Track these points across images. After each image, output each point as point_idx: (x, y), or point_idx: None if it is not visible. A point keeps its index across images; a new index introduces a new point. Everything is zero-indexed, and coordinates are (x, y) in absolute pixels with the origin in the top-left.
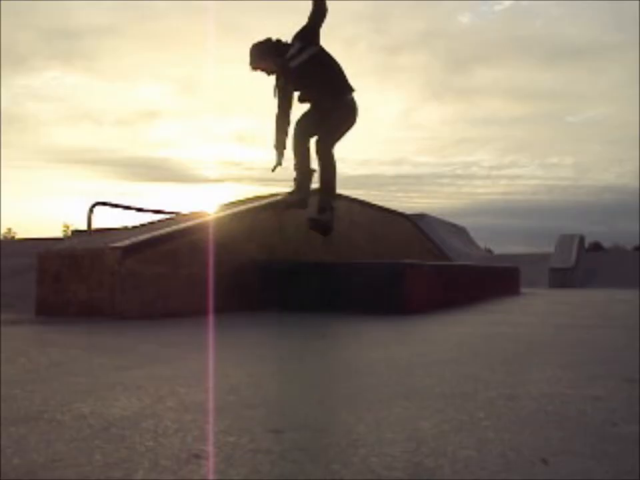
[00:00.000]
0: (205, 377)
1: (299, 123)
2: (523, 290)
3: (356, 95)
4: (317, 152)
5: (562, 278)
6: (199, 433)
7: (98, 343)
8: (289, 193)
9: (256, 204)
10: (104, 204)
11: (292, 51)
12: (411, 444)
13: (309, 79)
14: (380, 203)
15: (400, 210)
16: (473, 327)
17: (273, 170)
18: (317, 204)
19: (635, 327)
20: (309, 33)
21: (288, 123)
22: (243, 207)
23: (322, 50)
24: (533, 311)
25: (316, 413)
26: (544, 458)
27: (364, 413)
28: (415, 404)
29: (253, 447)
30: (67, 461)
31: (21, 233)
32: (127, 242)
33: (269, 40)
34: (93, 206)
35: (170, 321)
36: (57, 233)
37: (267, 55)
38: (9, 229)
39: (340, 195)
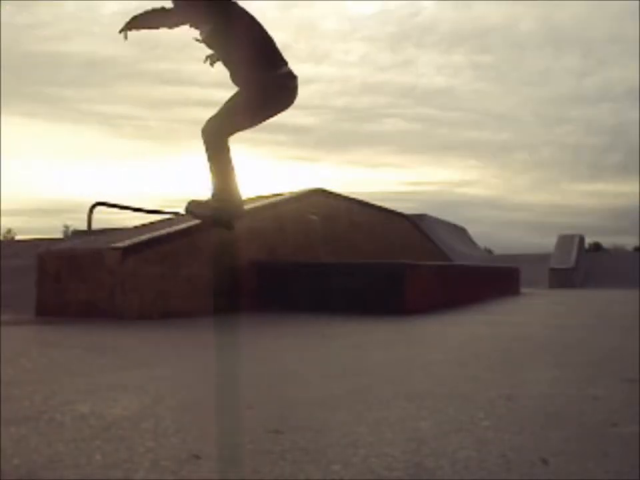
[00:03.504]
0: (204, 377)
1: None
2: (523, 290)
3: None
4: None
5: (562, 278)
6: (198, 433)
7: (98, 343)
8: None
9: (256, 204)
10: (104, 204)
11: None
12: (411, 444)
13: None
14: (380, 203)
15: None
16: (472, 327)
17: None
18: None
19: (634, 328)
20: None
21: None
22: None
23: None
24: (533, 311)
25: (316, 413)
26: (544, 458)
27: (364, 413)
28: (414, 404)
29: (253, 447)
30: (67, 461)
31: (21, 233)
32: (127, 242)
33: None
34: (93, 206)
35: (169, 321)
36: (57, 233)
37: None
38: (9, 230)
39: (339, 195)
